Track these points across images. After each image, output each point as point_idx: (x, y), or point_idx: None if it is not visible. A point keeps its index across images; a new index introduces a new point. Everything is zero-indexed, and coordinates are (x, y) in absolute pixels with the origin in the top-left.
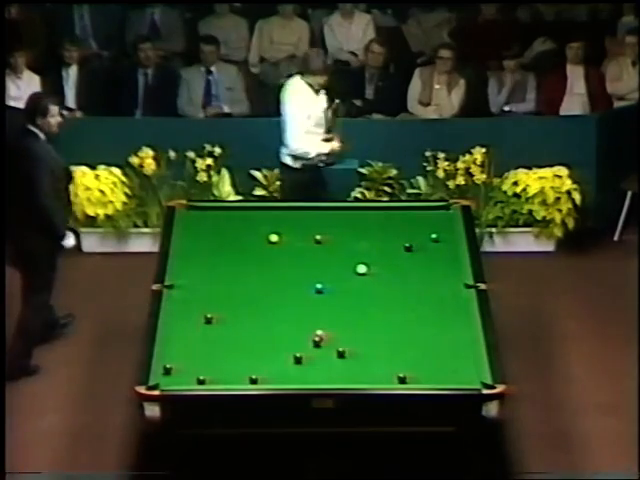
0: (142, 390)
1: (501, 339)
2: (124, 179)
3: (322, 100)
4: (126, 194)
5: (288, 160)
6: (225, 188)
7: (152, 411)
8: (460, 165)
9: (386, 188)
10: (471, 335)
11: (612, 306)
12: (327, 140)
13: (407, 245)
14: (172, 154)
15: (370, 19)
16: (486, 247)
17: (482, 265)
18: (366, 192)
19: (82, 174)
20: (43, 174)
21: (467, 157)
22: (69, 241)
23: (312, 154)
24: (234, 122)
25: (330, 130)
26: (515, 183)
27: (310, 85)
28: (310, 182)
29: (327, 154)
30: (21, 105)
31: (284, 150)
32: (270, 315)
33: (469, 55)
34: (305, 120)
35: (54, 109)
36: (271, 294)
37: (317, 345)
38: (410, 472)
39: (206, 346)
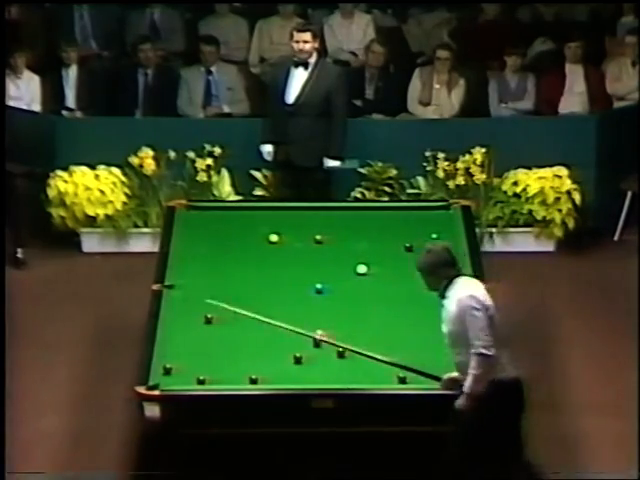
0: (142, 390)
1: (501, 339)
2: (124, 179)
3: None
4: (126, 194)
5: None
6: (225, 188)
7: (152, 411)
8: (460, 165)
9: (386, 188)
10: None
11: (612, 306)
12: None
13: (407, 245)
14: (172, 154)
15: (370, 19)
16: (486, 247)
17: (482, 265)
18: (366, 192)
19: (82, 174)
20: None
21: (467, 157)
22: None
23: None
24: (234, 122)
25: None
26: (515, 183)
27: None
28: None
29: None
30: (21, 105)
31: None
32: (270, 315)
33: (469, 55)
34: None
35: None
36: (271, 294)
37: (317, 345)
38: (410, 472)
39: (206, 346)
